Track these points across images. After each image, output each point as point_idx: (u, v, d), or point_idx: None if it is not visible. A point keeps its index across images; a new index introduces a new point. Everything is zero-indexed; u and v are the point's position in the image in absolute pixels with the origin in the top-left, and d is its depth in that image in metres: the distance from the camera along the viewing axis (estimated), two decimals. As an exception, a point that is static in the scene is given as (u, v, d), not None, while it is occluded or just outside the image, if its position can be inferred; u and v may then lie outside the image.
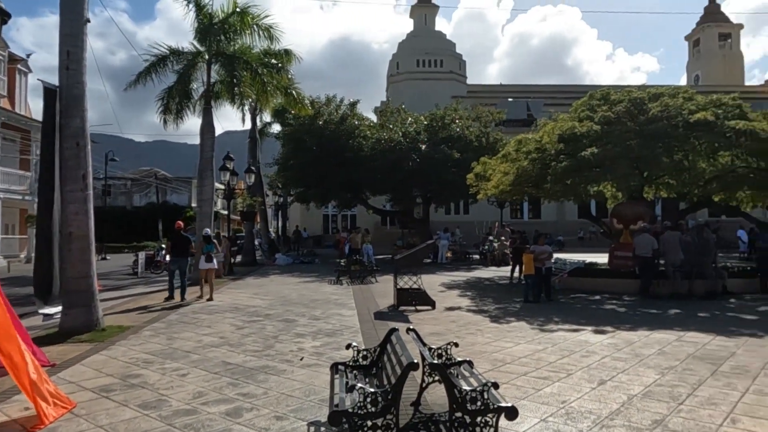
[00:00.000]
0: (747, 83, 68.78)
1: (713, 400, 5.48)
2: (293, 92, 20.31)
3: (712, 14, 67.82)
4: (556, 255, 18.82)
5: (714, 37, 66.57)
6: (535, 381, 6.21)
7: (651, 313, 11.29)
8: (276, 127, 34.07)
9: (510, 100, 52.00)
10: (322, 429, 4.80)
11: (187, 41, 19.36)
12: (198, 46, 18.96)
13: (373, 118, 36.22)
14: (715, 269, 14.00)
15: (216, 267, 14.52)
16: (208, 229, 15.21)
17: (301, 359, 7.29)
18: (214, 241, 14.90)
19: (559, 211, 45.23)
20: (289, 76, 20.61)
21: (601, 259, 17.82)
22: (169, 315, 11.25)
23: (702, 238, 13.67)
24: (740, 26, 68.30)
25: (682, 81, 76.49)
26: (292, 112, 25.18)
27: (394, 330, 5.31)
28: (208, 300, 13.37)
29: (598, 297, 13.72)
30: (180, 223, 14.61)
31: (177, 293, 13.54)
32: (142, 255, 22.67)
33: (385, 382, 4.67)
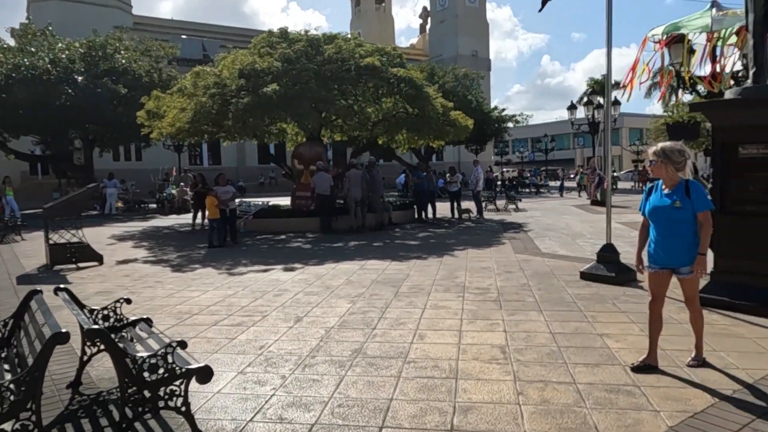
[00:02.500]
0: (400, 45, 78.93)
1: (401, 320, 5.67)
2: None
3: (370, -22, 74.92)
4: (238, 200, 18.35)
5: (371, -1, 73.92)
6: (228, 329, 5.51)
7: (334, 246, 11.73)
8: None
9: (184, 37, 48.34)
10: None
11: None
12: None
13: (9, 41, 29.02)
14: (383, 203, 15.46)
15: None
16: None
17: None
18: None
19: (240, 157, 44.90)
20: None
21: (284, 201, 18.04)
22: None
23: (371, 175, 14.83)
24: (391, -8, 77.32)
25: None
26: None
27: (35, 293, 3.90)
28: None
29: (283, 237, 13.73)
30: None
31: None
32: None
33: (20, 369, 3.32)
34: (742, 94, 5.84)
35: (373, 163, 15.22)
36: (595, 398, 3.66)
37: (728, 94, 5.98)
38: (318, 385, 4.01)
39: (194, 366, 3.17)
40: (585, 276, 7.54)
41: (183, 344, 3.23)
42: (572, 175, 41.88)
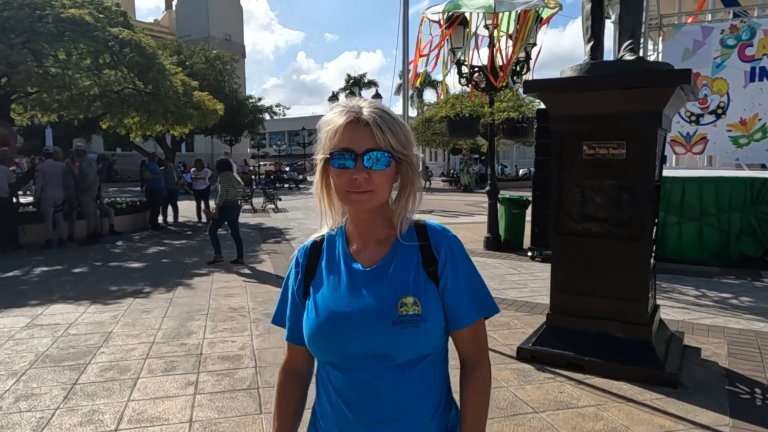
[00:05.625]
0: (143, 20, 69.80)
1: (51, 483, 2.71)
2: None
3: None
4: None
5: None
6: None
7: (4, 278, 7.75)
8: None
9: None
10: None
11: None
12: None
13: None
14: (99, 206, 11.57)
15: None
16: None
17: None
18: None
19: None
20: None
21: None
22: None
23: (81, 168, 10.83)
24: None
25: None
26: None
27: None
28: None
29: (-73, 260, 9.02)
30: None
31: None
32: None
33: None
34: (589, 71, 4.26)
35: (83, 152, 11.16)
36: None
37: (569, 72, 4.37)
38: None
39: None
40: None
41: None
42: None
